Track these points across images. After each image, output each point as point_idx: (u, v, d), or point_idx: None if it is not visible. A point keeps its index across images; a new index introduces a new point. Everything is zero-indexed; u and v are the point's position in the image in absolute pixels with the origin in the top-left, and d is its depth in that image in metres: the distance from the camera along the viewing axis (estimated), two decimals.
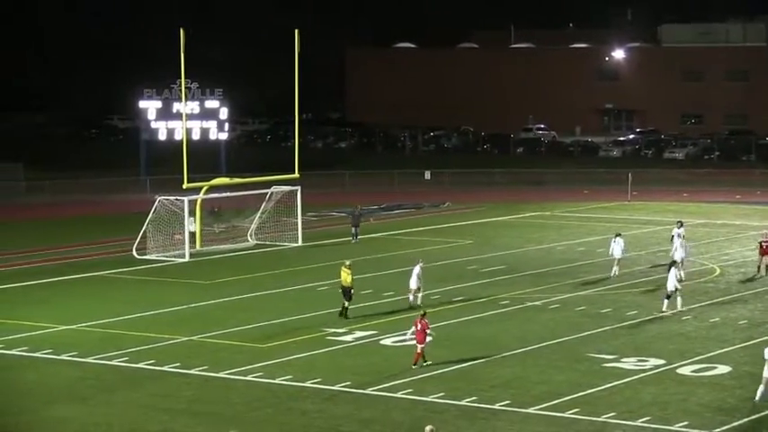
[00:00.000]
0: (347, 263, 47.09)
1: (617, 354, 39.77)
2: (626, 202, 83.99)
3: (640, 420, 32.50)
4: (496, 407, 33.90)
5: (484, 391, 35.32)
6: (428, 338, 38.25)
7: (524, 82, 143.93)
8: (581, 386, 35.78)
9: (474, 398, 34.58)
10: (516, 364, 38.87)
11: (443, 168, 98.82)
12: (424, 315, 38.80)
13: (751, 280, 53.21)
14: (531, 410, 33.59)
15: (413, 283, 46.89)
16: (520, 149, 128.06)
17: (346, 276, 45.99)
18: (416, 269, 47.02)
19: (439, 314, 45.90)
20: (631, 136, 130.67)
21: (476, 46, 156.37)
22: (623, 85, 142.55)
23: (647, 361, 38.83)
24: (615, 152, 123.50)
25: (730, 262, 57.60)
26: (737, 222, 72.80)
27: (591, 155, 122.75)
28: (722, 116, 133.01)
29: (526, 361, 39.22)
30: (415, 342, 38.04)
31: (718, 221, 73.49)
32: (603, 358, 39.22)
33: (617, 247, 54.25)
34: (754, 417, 32.75)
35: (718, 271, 55.79)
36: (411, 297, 46.98)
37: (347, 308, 45.87)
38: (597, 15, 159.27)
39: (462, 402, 34.22)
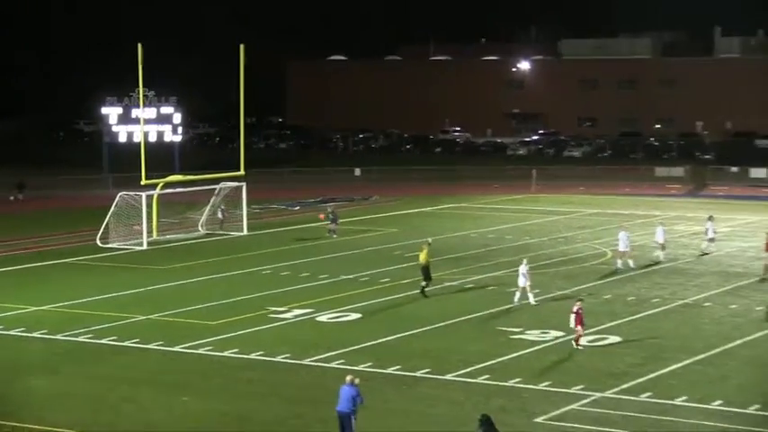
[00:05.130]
0: (429, 241, 47.48)
1: (522, 327, 40.02)
2: (531, 195, 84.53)
3: (542, 384, 32.75)
4: (418, 374, 34.01)
5: (407, 360, 35.43)
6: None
7: (442, 90, 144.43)
8: (492, 355, 35.95)
9: (398, 366, 34.69)
10: (435, 337, 39.04)
11: (372, 166, 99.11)
12: (581, 300, 38.26)
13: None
14: (448, 377, 33.75)
15: (521, 282, 43.86)
16: (438, 149, 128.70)
17: (422, 255, 45.90)
18: (523, 268, 44.03)
19: (368, 293, 46.09)
20: (535, 137, 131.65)
21: (399, 58, 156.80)
22: (528, 93, 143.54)
23: (548, 333, 39.09)
24: (521, 151, 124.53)
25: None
26: (626, 212, 73.47)
27: (500, 154, 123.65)
28: (614, 119, 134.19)
29: (444, 334, 39.42)
30: (573, 325, 37.15)
31: (610, 211, 74.12)
32: (511, 331, 39.45)
33: (661, 234, 54.25)
34: (639, 380, 33.09)
35: (609, 254, 56.22)
36: (518, 295, 43.83)
37: (424, 286, 45.71)
38: (505, 31, 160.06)
39: (388, 371, 34.34)
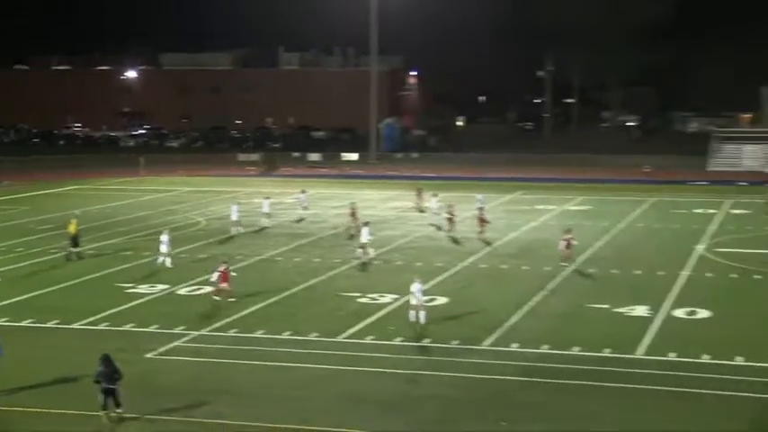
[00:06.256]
0: (77, 213, 45.36)
1: (134, 282, 39.26)
2: (140, 178, 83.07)
3: (151, 327, 32.36)
4: (49, 325, 32.73)
5: (40, 314, 33.93)
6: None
7: (64, 93, 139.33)
8: (110, 307, 35.07)
9: (32, 320, 33.24)
10: (64, 294, 37.66)
11: (4, 156, 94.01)
12: (226, 263, 36.67)
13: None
14: (74, 326, 32.68)
15: (164, 248, 42.21)
16: (62, 142, 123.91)
17: (71, 227, 44.08)
18: (164, 236, 42.48)
19: (6, 261, 43.81)
20: (142, 131, 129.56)
21: (27, 67, 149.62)
22: (136, 96, 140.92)
23: (156, 286, 38.56)
24: (131, 143, 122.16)
25: (213, 216, 58.29)
26: (217, 189, 73.79)
27: (114, 145, 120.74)
28: (205, 117, 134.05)
29: (72, 291, 38.10)
30: (217, 282, 35.65)
31: (204, 189, 74.11)
32: (125, 286, 38.64)
33: (233, 212, 53.07)
34: (227, 320, 33.33)
35: (204, 222, 56.28)
36: (161, 259, 42.23)
37: (71, 252, 43.98)
38: (116, 46, 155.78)
39: (23, 324, 32.83)
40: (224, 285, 35.94)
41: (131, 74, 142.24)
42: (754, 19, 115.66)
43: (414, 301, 32.47)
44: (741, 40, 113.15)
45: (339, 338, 31.06)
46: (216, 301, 35.68)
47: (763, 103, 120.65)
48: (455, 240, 49.33)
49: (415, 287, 32.52)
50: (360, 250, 44.15)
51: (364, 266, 42.61)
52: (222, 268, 36.27)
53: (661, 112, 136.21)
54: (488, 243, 48.35)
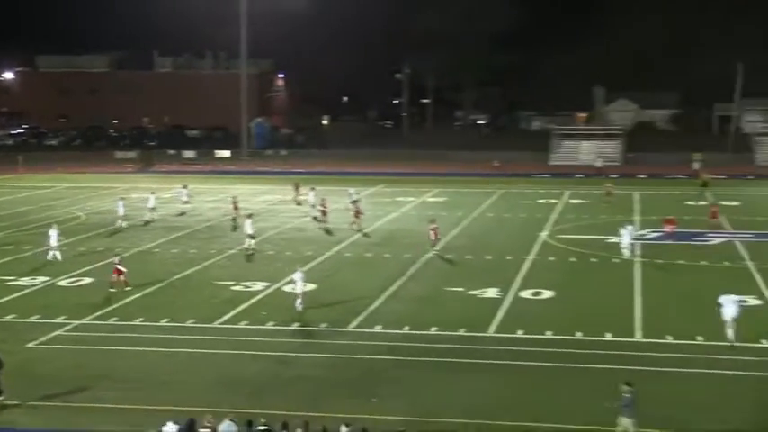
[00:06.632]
0: None
1: (16, 275, 37.87)
2: (18, 175, 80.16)
3: (33, 317, 31.18)
4: None
5: None
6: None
7: None
8: None
9: None
10: None
11: None
12: (119, 255, 36.14)
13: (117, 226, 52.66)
14: None
15: (53, 242, 40.55)
16: None
17: None
18: (52, 231, 40.97)
19: None
20: (20, 130, 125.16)
21: None
22: (13, 97, 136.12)
23: (36, 279, 37.29)
24: (10, 141, 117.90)
25: (92, 211, 56.71)
26: (95, 185, 71.82)
27: None
28: (83, 117, 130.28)
29: None
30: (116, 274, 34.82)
31: (83, 185, 71.99)
32: (6, 279, 37.21)
33: (152, 201, 52.12)
34: (108, 309, 32.53)
35: (83, 217, 54.71)
36: (51, 253, 40.54)
37: None
38: None
39: None
40: (115, 276, 35.24)
41: (8, 75, 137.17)
42: (587, 27, 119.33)
43: (295, 288, 32.38)
44: (577, 46, 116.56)
45: (215, 324, 30.68)
46: (112, 291, 34.73)
47: (595, 103, 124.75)
48: (327, 231, 49.26)
49: (297, 275, 32.48)
50: (251, 240, 43.53)
51: (250, 257, 42.09)
52: (117, 260, 35.69)
53: (509, 111, 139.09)
54: (360, 230, 48.57)
